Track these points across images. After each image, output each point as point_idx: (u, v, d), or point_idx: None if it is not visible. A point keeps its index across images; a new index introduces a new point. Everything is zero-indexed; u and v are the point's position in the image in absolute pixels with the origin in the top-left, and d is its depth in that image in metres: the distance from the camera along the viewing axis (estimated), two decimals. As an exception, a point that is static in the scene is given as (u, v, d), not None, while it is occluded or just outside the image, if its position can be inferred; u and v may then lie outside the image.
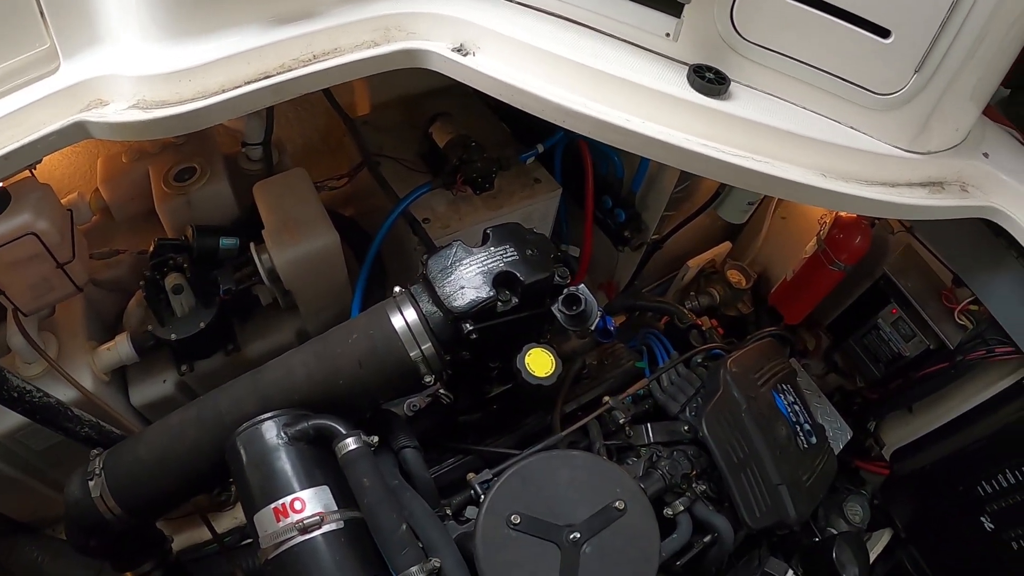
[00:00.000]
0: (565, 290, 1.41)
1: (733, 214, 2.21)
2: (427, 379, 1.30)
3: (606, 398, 1.60)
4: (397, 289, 1.36)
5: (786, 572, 1.49)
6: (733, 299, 2.44)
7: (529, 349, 1.38)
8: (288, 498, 1.14)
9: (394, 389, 1.37)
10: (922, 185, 1.45)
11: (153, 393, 1.99)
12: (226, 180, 2.00)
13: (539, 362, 1.37)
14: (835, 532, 2.03)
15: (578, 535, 1.22)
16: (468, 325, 1.28)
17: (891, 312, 2.14)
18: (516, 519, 1.21)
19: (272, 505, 1.14)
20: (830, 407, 2.15)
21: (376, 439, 1.22)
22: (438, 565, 1.17)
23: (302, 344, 1.33)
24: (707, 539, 1.45)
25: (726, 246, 2.59)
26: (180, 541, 2.06)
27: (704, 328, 1.90)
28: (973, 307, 1.90)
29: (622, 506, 1.26)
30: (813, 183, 1.31)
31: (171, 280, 1.81)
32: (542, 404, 1.63)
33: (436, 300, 1.31)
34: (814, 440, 1.78)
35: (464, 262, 1.33)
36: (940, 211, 1.42)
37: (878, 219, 2.09)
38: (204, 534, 2.02)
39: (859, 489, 2.26)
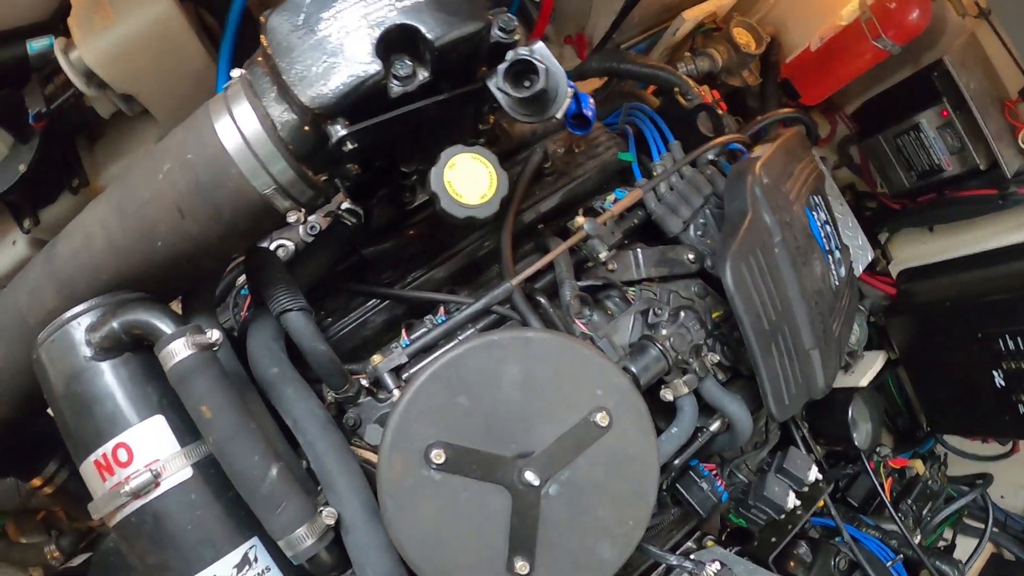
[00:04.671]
0: (511, 52, 0.80)
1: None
2: (291, 218, 0.91)
3: (579, 218, 1.04)
4: (235, 73, 0.84)
5: (810, 468, 1.01)
6: (738, 65, 1.81)
7: (451, 156, 0.83)
8: (109, 445, 0.79)
9: (244, 238, 0.91)
10: None
11: (6, 262, 1.56)
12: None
13: (470, 179, 0.83)
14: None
15: (537, 472, 0.65)
16: (338, 128, 0.75)
17: (940, 114, 1.65)
18: (439, 455, 0.66)
19: (91, 457, 0.80)
20: (853, 220, 1.61)
21: (217, 336, 0.80)
22: (331, 523, 0.76)
23: (103, 192, 0.89)
24: (714, 426, 0.92)
25: None
26: None
27: (721, 110, 1.19)
28: (1044, 130, 1.55)
29: (605, 420, 0.72)
30: None
31: None
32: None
33: (284, 88, 0.77)
34: (843, 272, 1.23)
35: (332, 10, 0.74)
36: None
37: None
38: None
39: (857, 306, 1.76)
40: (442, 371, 0.73)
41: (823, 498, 1.18)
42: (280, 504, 0.76)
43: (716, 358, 1.01)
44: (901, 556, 1.58)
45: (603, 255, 0.98)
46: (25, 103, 1.32)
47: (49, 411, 1.38)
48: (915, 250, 1.88)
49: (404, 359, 0.89)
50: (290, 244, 1.16)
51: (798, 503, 1.10)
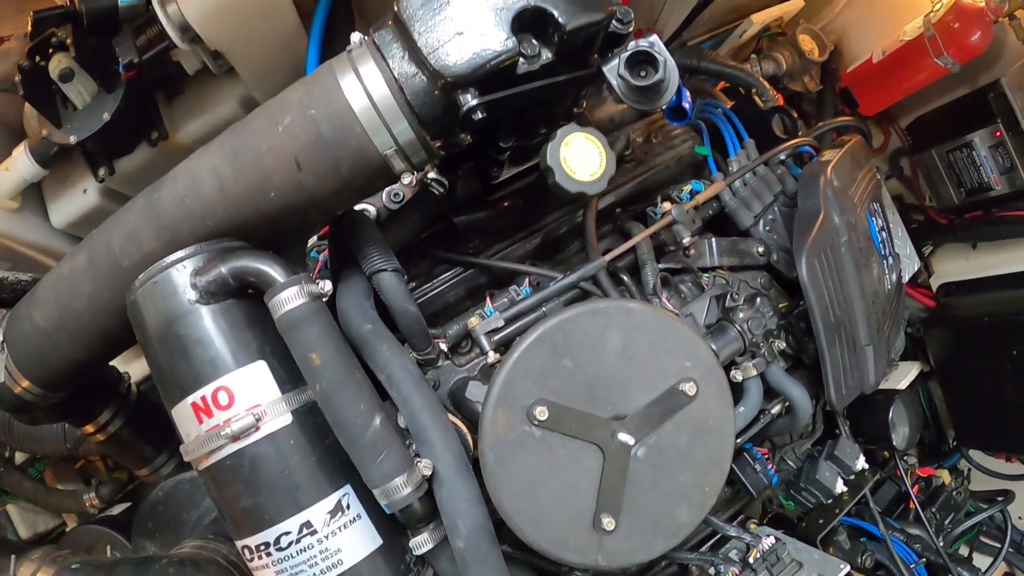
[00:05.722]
0: (632, 43, 0.84)
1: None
2: (405, 180, 0.87)
3: (665, 204, 1.09)
4: (355, 37, 0.86)
5: (858, 457, 1.05)
6: (801, 71, 1.86)
7: (567, 134, 0.86)
8: (209, 388, 0.79)
9: (355, 195, 0.93)
10: None
11: (75, 209, 1.57)
12: None
13: (583, 157, 0.85)
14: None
15: (630, 433, 0.70)
16: (469, 97, 0.78)
17: (993, 134, 1.68)
18: (542, 412, 0.70)
19: (188, 399, 0.81)
20: (903, 229, 1.65)
21: (328, 287, 0.83)
22: (428, 474, 0.79)
23: (216, 137, 0.89)
24: (774, 409, 0.96)
25: (798, 2, 1.99)
26: (139, 369, 1.63)
27: (793, 114, 1.24)
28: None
29: (692, 389, 0.77)
30: None
31: (56, 63, 1.30)
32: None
33: (416, 54, 0.79)
34: (894, 278, 1.29)
35: (465, -12, 0.77)
36: None
37: (1007, 17, 1.65)
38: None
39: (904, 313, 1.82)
40: (550, 333, 0.77)
41: (867, 489, 1.23)
42: (381, 453, 0.78)
43: (782, 345, 1.06)
44: (924, 560, 1.63)
45: (686, 240, 1.02)
46: (113, 53, 1.34)
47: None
48: (957, 265, 1.90)
49: (501, 322, 0.93)
50: (373, 209, 1.19)
51: (845, 489, 1.16)
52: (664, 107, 0.90)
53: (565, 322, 0.77)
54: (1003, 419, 1.76)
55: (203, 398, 0.80)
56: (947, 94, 1.80)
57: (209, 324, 0.82)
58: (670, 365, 0.81)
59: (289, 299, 0.79)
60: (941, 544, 1.71)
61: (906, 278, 1.66)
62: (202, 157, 0.89)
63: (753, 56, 1.78)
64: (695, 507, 0.83)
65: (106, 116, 1.36)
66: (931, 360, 1.89)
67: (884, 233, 1.35)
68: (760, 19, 1.76)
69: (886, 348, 1.25)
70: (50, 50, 1.31)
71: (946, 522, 1.80)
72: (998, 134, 1.66)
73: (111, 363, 1.26)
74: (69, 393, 1.10)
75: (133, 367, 1.61)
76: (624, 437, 0.77)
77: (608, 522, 0.78)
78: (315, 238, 1.21)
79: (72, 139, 1.36)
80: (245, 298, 0.85)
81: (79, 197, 1.54)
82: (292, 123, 0.82)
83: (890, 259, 1.35)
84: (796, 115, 1.34)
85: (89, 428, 1.28)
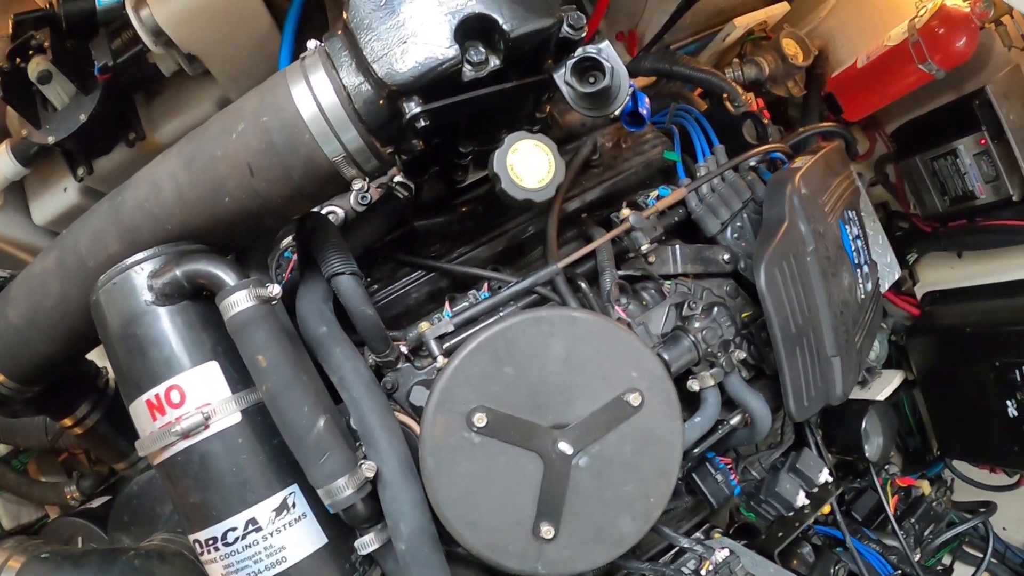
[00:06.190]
0: (579, 49, 0.85)
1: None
2: (356, 186, 0.95)
3: (625, 210, 1.09)
4: (311, 44, 0.88)
5: (821, 471, 1.05)
6: (784, 76, 1.83)
7: (514, 143, 0.87)
8: (162, 386, 0.82)
9: (307, 200, 0.94)
10: None
11: (56, 207, 1.60)
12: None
13: (530, 164, 0.87)
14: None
15: (570, 442, 0.71)
16: (413, 105, 0.80)
17: (978, 142, 1.65)
18: (480, 419, 0.71)
19: (144, 396, 0.83)
20: (883, 237, 1.64)
21: (277, 291, 0.85)
22: (371, 476, 0.80)
23: (173, 144, 0.92)
24: (734, 420, 0.96)
25: (783, 7, 1.95)
26: None
27: (765, 119, 1.23)
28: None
29: (637, 400, 0.77)
30: None
31: (35, 66, 1.33)
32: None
33: (362, 63, 0.81)
34: (869, 287, 1.27)
35: (413, -6, 0.78)
36: None
37: (993, 23, 1.64)
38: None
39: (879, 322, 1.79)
40: (491, 341, 0.78)
41: (831, 501, 1.23)
42: (325, 454, 0.79)
43: (742, 355, 1.05)
44: (900, 572, 1.62)
45: (644, 247, 1.01)
46: (90, 55, 1.36)
47: (88, 356, 1.44)
48: (941, 274, 1.87)
49: (450, 328, 0.94)
50: (340, 212, 1.21)
51: (807, 503, 1.15)
52: (616, 113, 0.90)
53: (507, 329, 0.78)
54: (986, 430, 1.74)
55: (156, 396, 0.83)
56: (932, 101, 1.77)
57: (165, 325, 0.85)
58: (615, 375, 0.82)
59: (238, 302, 0.81)
60: (918, 556, 1.70)
61: (885, 287, 1.64)
62: (162, 162, 0.93)
63: (735, 60, 1.77)
64: (639, 517, 0.83)
65: (83, 117, 1.37)
66: (914, 369, 1.87)
67: (860, 241, 1.34)
68: (743, 23, 1.75)
69: (857, 359, 1.24)
70: (30, 52, 1.32)
71: (926, 533, 1.79)
72: (983, 142, 1.64)
73: (90, 358, 1.28)
74: (44, 387, 1.12)
75: (112, 363, 1.68)
76: (564, 446, 0.78)
77: (547, 530, 0.79)
78: (290, 238, 1.22)
79: (51, 139, 1.37)
80: (200, 300, 0.88)
81: (60, 195, 1.56)
82: (245, 130, 0.85)
83: (865, 267, 1.34)
84: (768, 120, 1.33)
85: (67, 421, 1.30)
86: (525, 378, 0.78)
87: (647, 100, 1.00)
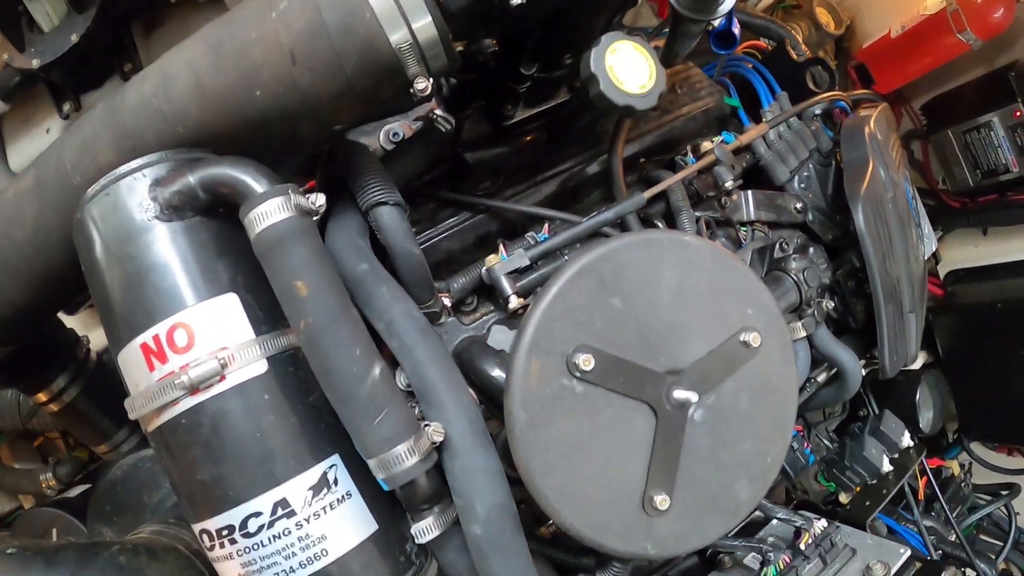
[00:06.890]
0: None
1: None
2: (419, 86, 0.66)
3: (708, 142, 0.92)
4: None
5: (903, 434, 0.92)
6: (816, 44, 1.73)
7: (613, 41, 0.69)
8: (164, 325, 0.60)
9: (356, 103, 0.69)
10: None
11: (36, 150, 1.37)
12: None
13: (629, 68, 0.68)
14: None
15: (688, 390, 0.53)
16: None
17: (1012, 114, 1.57)
18: (587, 361, 0.52)
19: (138, 339, 0.60)
20: (921, 206, 1.50)
21: (322, 202, 0.63)
22: (439, 440, 0.59)
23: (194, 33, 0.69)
24: (821, 377, 0.81)
25: None
26: (100, 336, 1.42)
27: (831, 65, 1.12)
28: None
29: (757, 340, 0.59)
30: None
31: None
32: (590, 140, 0.96)
33: None
34: (926, 250, 1.14)
35: None
36: None
37: None
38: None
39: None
40: (597, 263, 0.59)
41: (915, 465, 1.10)
42: (381, 411, 0.58)
43: (832, 304, 0.90)
44: (940, 552, 1.52)
45: (728, 183, 0.86)
46: None
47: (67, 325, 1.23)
48: (965, 252, 1.80)
49: (526, 261, 0.74)
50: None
51: (891, 468, 1.02)
52: (717, 23, 0.75)
53: (615, 251, 0.58)
54: (1010, 410, 1.65)
55: (155, 338, 0.60)
56: (962, 75, 1.69)
57: (169, 245, 0.62)
58: (731, 311, 0.63)
59: (271, 212, 0.59)
60: (953, 537, 1.60)
61: (926, 255, 1.57)
62: (179, 51, 0.70)
63: (768, 25, 1.66)
64: (756, 481, 0.65)
65: (74, 38, 1.17)
66: (939, 349, 1.75)
67: (916, 201, 1.23)
68: (776, -12, 1.65)
69: (921, 320, 1.12)
70: (15, -40, 1.11)
71: (953, 515, 1.70)
72: (1017, 114, 1.55)
73: (68, 326, 1.16)
74: (14, 349, 0.92)
75: (94, 333, 1.44)
76: (681, 395, 0.60)
77: (661, 500, 0.59)
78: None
79: (35, 63, 1.16)
80: (216, 218, 0.65)
81: (41, 137, 1.34)
82: (288, 8, 0.63)
83: (923, 228, 1.23)
84: (834, 66, 1.22)
85: (42, 396, 1.11)
86: (635, 312, 0.59)
87: (738, 24, 0.86)
